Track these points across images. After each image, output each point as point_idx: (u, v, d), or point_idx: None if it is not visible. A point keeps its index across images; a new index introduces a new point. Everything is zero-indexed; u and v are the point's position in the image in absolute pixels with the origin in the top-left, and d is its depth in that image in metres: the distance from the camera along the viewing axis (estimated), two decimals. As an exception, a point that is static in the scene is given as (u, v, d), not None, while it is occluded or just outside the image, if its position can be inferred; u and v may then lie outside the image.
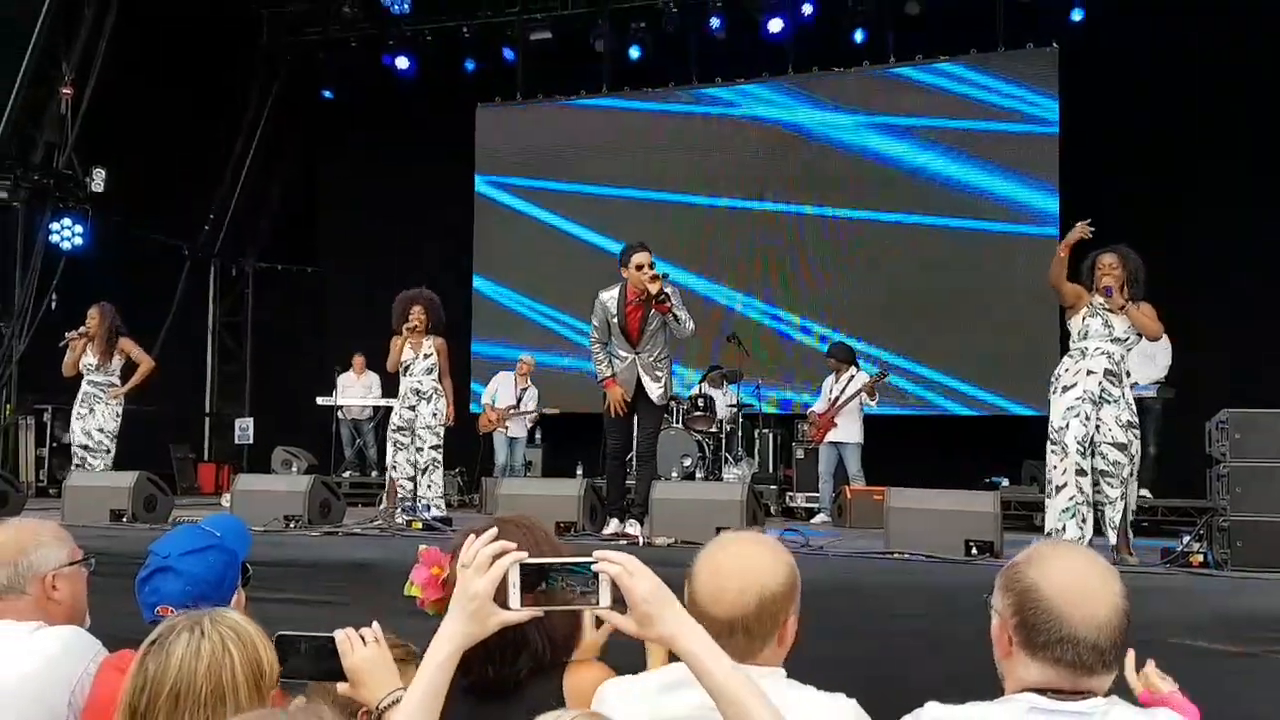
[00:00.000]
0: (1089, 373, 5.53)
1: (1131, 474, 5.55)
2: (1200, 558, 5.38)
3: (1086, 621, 1.67)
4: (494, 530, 1.71)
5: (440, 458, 7.62)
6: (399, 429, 7.61)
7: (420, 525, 6.84)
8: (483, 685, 1.82)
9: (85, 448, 8.32)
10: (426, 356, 7.59)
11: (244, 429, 12.88)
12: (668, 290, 6.45)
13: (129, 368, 8.62)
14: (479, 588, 1.62)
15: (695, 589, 1.81)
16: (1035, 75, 11.20)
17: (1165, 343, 9.09)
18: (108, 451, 8.32)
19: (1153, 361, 9.08)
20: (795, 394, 11.65)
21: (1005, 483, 9.34)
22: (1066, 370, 5.64)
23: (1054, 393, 5.66)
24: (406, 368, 7.61)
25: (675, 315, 6.49)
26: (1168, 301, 9.54)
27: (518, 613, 1.61)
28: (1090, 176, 10.88)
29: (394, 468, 7.60)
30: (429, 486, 7.52)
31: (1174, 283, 10.20)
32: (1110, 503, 5.51)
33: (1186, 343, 9.15)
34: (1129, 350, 5.67)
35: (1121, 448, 5.49)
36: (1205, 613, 4.41)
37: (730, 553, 1.85)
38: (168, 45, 12.15)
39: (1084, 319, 5.65)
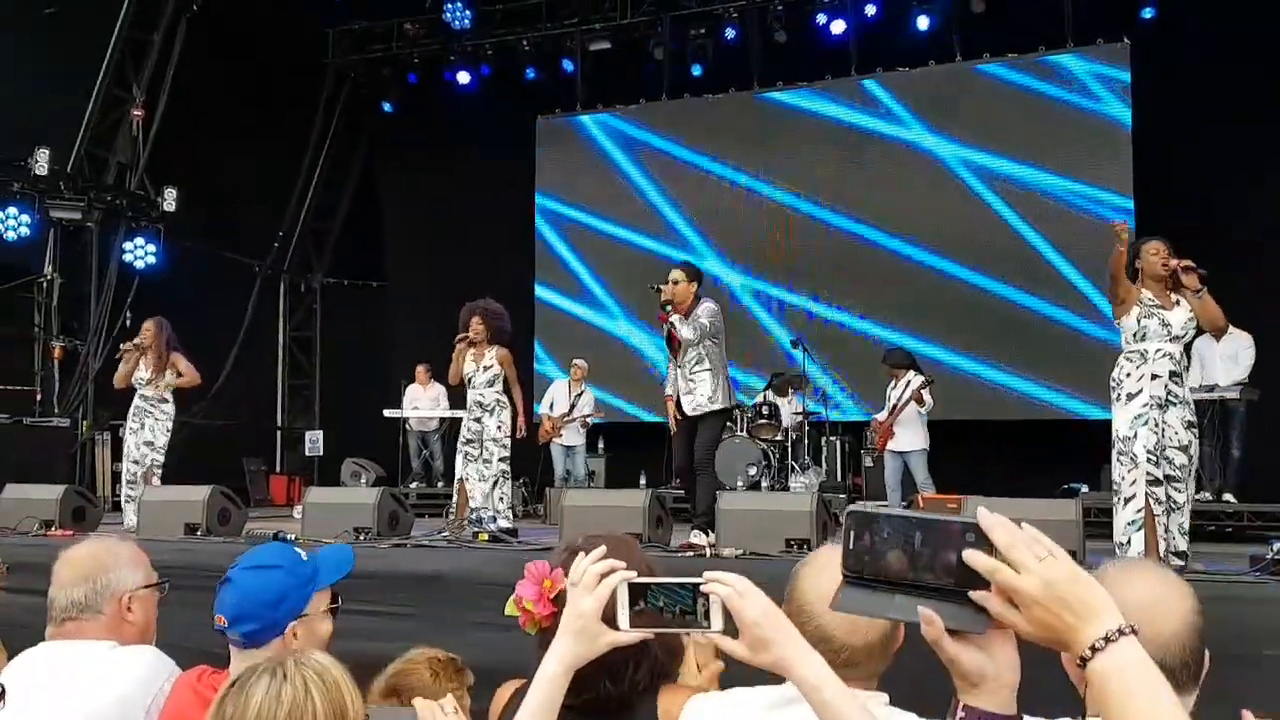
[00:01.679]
0: (1154, 376, 5.31)
1: (1191, 474, 5.35)
2: (1292, 565, 5.16)
3: (1152, 639, 1.60)
4: (602, 548, 1.66)
5: (508, 469, 7.60)
6: (468, 441, 7.60)
7: (487, 537, 6.83)
8: (594, 705, 1.78)
9: (136, 461, 8.37)
10: (487, 368, 7.55)
11: (314, 442, 13.07)
12: (671, 300, 6.63)
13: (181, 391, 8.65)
14: (586, 606, 1.58)
15: (825, 620, 1.72)
16: (1106, 72, 10.93)
17: (1248, 341, 8.82)
18: (158, 465, 8.33)
19: (1235, 361, 8.82)
20: (862, 400, 11.48)
21: (1084, 489, 9.06)
22: (1129, 375, 5.42)
23: (1117, 399, 5.45)
24: (470, 379, 7.60)
25: (673, 324, 6.59)
26: (1246, 301, 9.34)
27: (627, 633, 1.56)
28: (1163, 173, 10.61)
29: (466, 479, 7.57)
30: (500, 499, 7.52)
31: (1256, 278, 9.98)
32: (1178, 508, 5.31)
33: (1271, 342, 8.85)
34: (1186, 345, 5.44)
35: (1184, 449, 5.31)
36: (1301, 623, 4.23)
37: None
38: (235, 66, 12.40)
39: (1139, 319, 5.39)
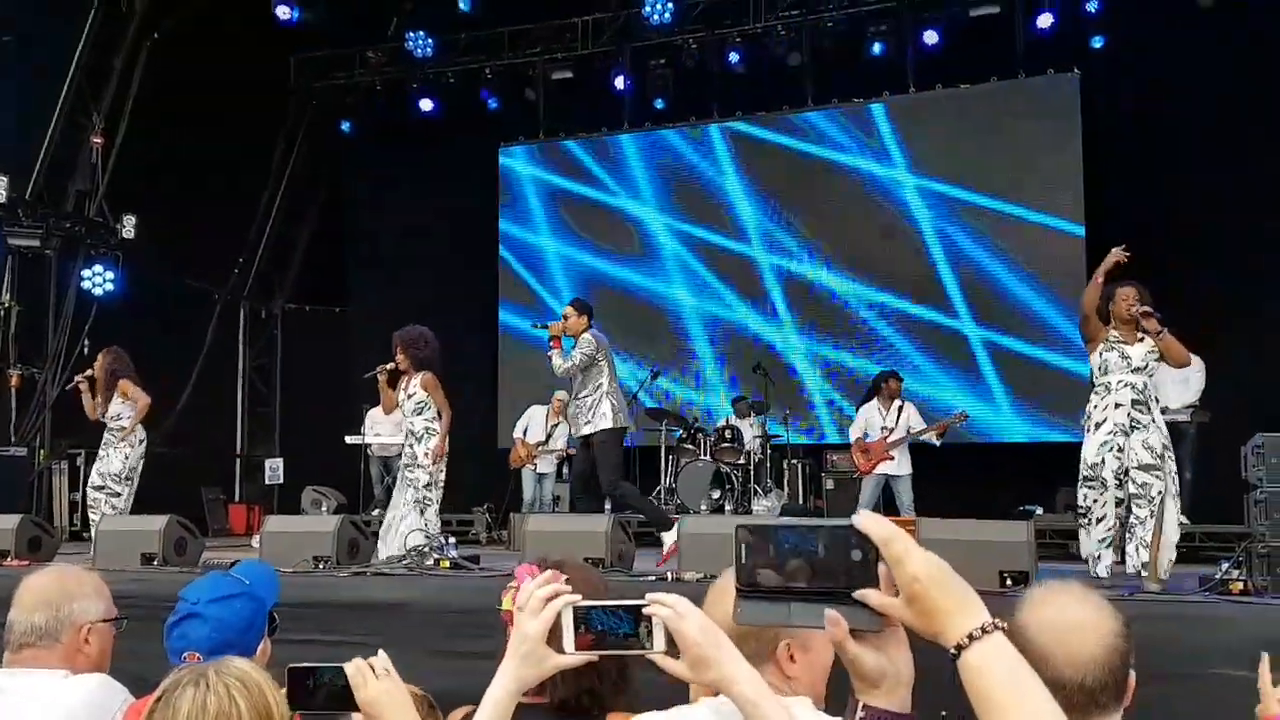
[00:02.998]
0: (1116, 405, 5.66)
1: (1161, 495, 5.57)
2: (1240, 585, 5.28)
3: (1070, 660, 1.67)
4: (549, 573, 1.70)
5: (432, 496, 7.40)
6: (406, 466, 7.51)
7: (448, 564, 6.82)
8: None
9: (98, 488, 8.38)
10: (410, 395, 7.48)
11: (274, 470, 12.95)
12: (552, 332, 7.29)
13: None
14: (532, 630, 1.61)
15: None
16: (1056, 101, 11.16)
17: (1198, 365, 9.00)
18: (115, 494, 8.30)
19: (1186, 385, 8.99)
20: (822, 424, 11.59)
21: (1039, 511, 9.20)
22: (1095, 407, 5.76)
23: (1087, 430, 5.80)
24: (402, 407, 7.57)
25: (550, 359, 7.28)
26: (1199, 324, 9.54)
27: (571, 656, 1.59)
28: (1114, 200, 10.85)
29: (398, 506, 7.47)
30: (427, 523, 7.31)
31: (1206, 304, 10.20)
32: (1140, 522, 5.57)
33: (1223, 365, 9.05)
34: (1151, 377, 5.75)
35: (1148, 469, 5.57)
36: (1247, 641, 4.32)
37: None
38: (196, 92, 12.35)
39: (1101, 354, 5.77)
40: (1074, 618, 1.71)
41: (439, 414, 7.49)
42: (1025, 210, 11.15)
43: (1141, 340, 5.71)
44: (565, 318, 7.45)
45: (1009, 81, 11.38)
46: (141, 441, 8.54)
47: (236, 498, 13.79)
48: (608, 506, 10.45)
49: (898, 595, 1.18)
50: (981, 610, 1.17)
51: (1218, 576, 5.44)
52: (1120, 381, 5.69)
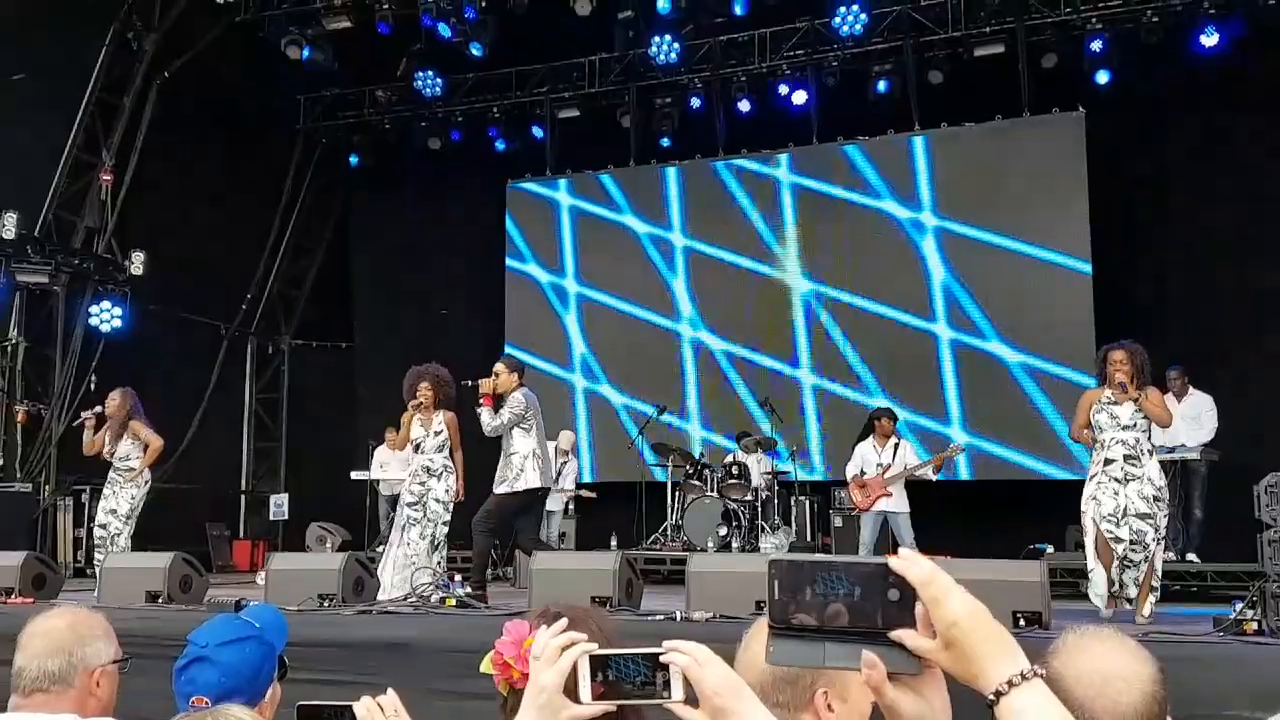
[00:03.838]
0: (1109, 461, 6.24)
1: (1157, 541, 6.12)
2: (1254, 625, 5.22)
3: (1111, 710, 1.64)
4: (564, 621, 1.67)
5: (446, 533, 7.59)
6: (411, 504, 7.55)
7: (454, 602, 6.78)
8: None
9: (103, 527, 8.38)
10: (437, 433, 7.58)
11: (279, 505, 12.93)
12: (483, 390, 7.31)
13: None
14: (548, 680, 1.57)
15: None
16: (1062, 139, 11.20)
17: (1209, 404, 9.00)
18: (119, 533, 8.30)
19: (1198, 423, 8.97)
20: (828, 460, 11.54)
21: (1050, 549, 9.11)
22: (1093, 463, 6.38)
23: (1087, 480, 6.41)
24: (418, 445, 7.64)
25: (480, 416, 7.31)
26: (1209, 360, 9.55)
27: (589, 706, 1.56)
28: (1121, 237, 10.88)
29: (408, 543, 7.52)
30: (438, 562, 7.46)
31: (1215, 341, 10.21)
32: (1134, 565, 6.11)
33: (1234, 402, 9.04)
34: (1143, 431, 6.26)
35: (1144, 517, 6.09)
36: (1263, 683, 4.26)
37: None
38: (206, 131, 12.48)
39: (1094, 415, 6.34)
40: (1113, 666, 1.68)
41: (443, 448, 7.65)
42: (1031, 247, 11.15)
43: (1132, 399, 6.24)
44: (496, 375, 7.40)
45: (1014, 120, 11.43)
46: (147, 482, 8.55)
47: (241, 534, 13.75)
48: (613, 543, 10.48)
49: (934, 637, 1.16)
50: (1020, 656, 1.15)
51: (1233, 617, 5.38)
52: (1113, 439, 6.24)
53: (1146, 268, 11.05)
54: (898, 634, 1.17)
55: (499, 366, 7.49)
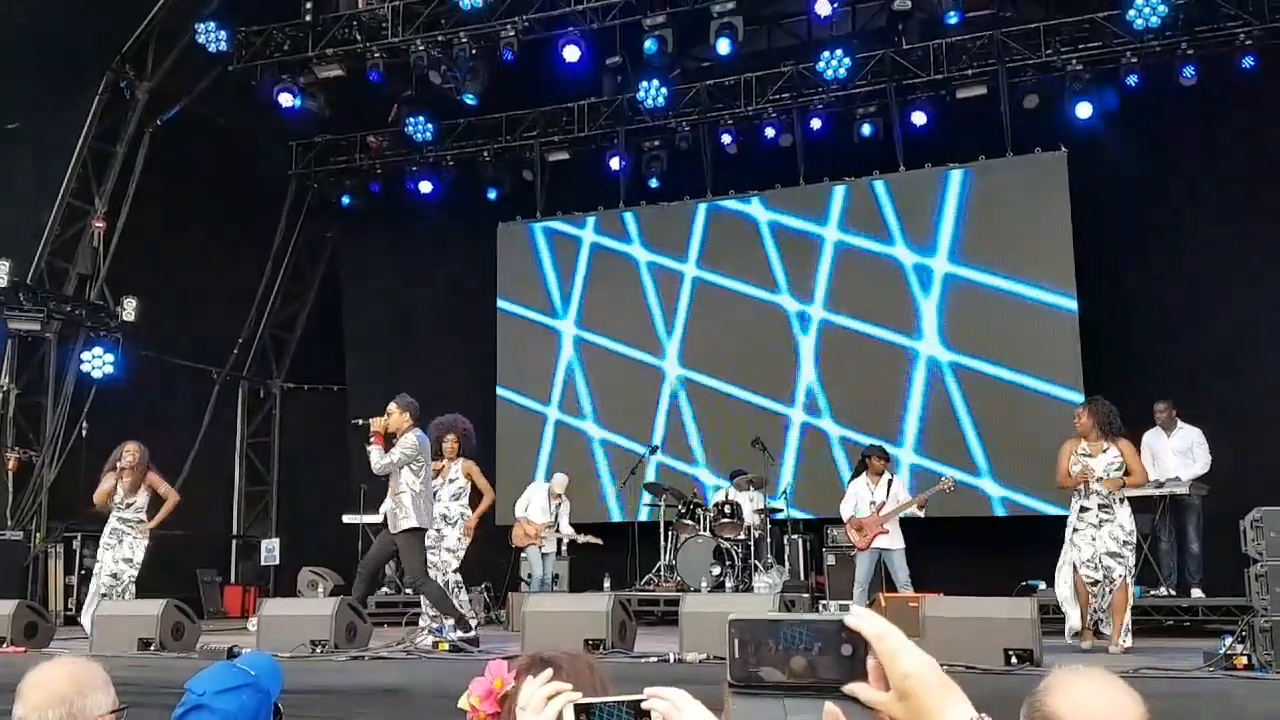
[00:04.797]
0: (1083, 509, 6.84)
1: (1123, 577, 6.71)
2: (1244, 660, 5.26)
3: None
4: (549, 671, 1.71)
5: (460, 579, 7.92)
6: (430, 547, 7.73)
7: (447, 646, 6.77)
8: None
9: (114, 576, 8.43)
10: (452, 481, 7.93)
11: (270, 550, 12.88)
12: (374, 428, 7.35)
13: (155, 500, 8.73)
14: None
15: None
16: (1044, 178, 11.36)
17: (1199, 437, 9.05)
18: (132, 580, 8.44)
19: (1190, 457, 9.00)
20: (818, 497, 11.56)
21: (1042, 585, 9.11)
22: (1071, 510, 6.97)
23: (1066, 527, 7.02)
24: (436, 493, 7.85)
25: (369, 455, 7.36)
26: (1195, 394, 9.62)
27: None
28: (1106, 275, 11.01)
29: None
30: (461, 604, 7.68)
31: (1201, 375, 10.31)
32: (1099, 597, 6.76)
33: (1221, 437, 9.10)
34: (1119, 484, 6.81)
35: (1113, 555, 6.70)
36: (1252, 718, 4.29)
37: None
38: (197, 177, 12.57)
39: (1070, 466, 6.89)
40: (1107, 704, 1.71)
41: (459, 496, 8.10)
42: (1017, 284, 11.27)
43: (1105, 451, 6.78)
44: (389, 414, 7.45)
45: (997, 160, 11.59)
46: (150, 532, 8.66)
47: (232, 579, 13.67)
48: (607, 584, 10.46)
49: (886, 689, 1.22)
50: (968, 706, 1.22)
51: (1221, 651, 5.41)
52: (1089, 489, 6.79)
53: (1132, 302, 11.17)
54: (851, 687, 1.22)
55: (392, 406, 7.52)
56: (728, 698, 1.28)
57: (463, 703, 1.91)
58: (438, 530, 7.81)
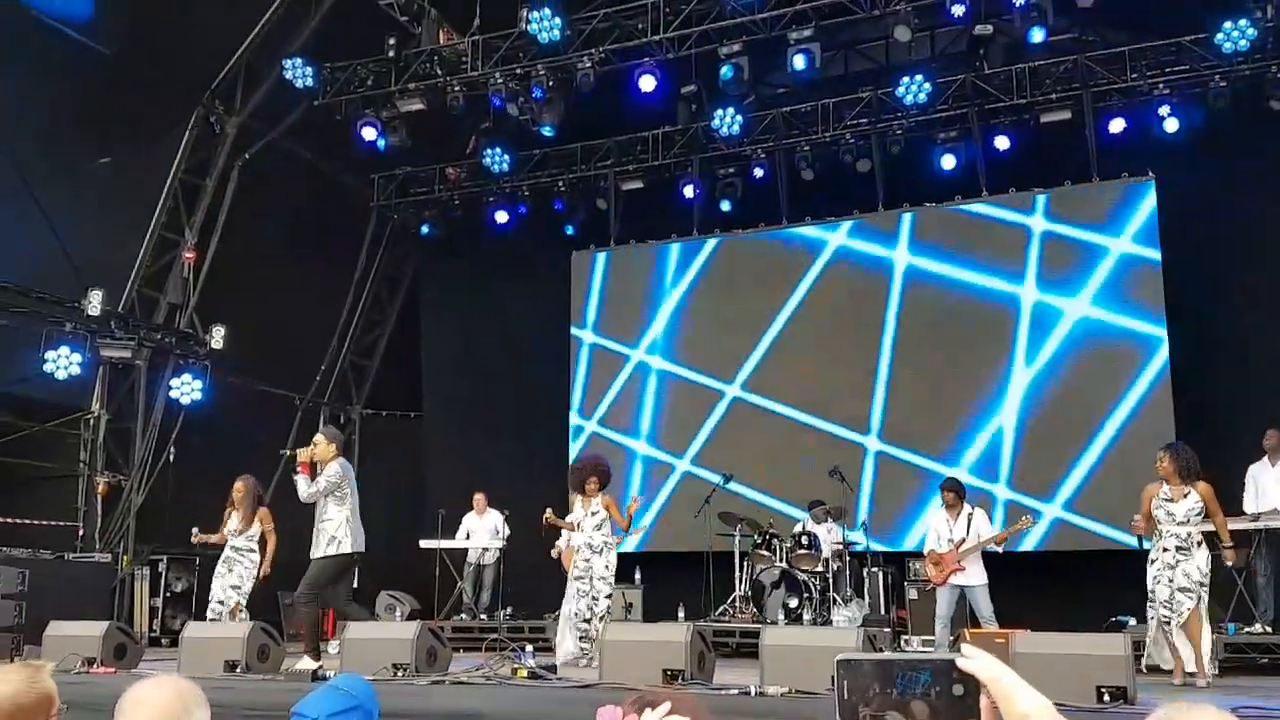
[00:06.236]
0: (1164, 549, 6.98)
1: (1189, 612, 6.77)
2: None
3: None
4: (667, 705, 1.70)
5: (610, 606, 8.57)
6: (578, 578, 8.46)
7: (525, 673, 6.75)
8: None
9: (221, 603, 8.78)
10: (594, 514, 8.52)
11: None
12: (301, 458, 7.61)
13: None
14: None
15: None
16: (1132, 205, 11.10)
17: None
18: (242, 606, 8.86)
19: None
20: (904, 530, 11.36)
21: (1132, 621, 8.81)
22: (1153, 549, 7.11)
23: (1148, 562, 7.14)
24: (580, 524, 8.62)
25: (296, 483, 7.63)
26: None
27: None
28: (1198, 303, 10.71)
29: (576, 614, 8.40)
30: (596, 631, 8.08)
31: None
32: (1168, 632, 6.88)
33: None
34: (1196, 527, 6.95)
35: (1185, 591, 6.84)
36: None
37: None
38: (283, 209, 12.88)
39: (1153, 510, 7.07)
40: None
41: (601, 526, 8.58)
42: (1104, 315, 11.01)
43: (1186, 496, 6.91)
44: (315, 444, 7.71)
45: (1083, 186, 11.36)
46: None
47: (312, 603, 13.81)
48: (680, 614, 10.36)
49: None
50: None
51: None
52: (1169, 531, 6.95)
53: (1225, 330, 10.84)
54: None
55: (318, 436, 7.82)
56: None
57: None
58: (586, 560, 8.41)
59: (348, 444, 15.10)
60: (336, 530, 7.58)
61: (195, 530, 9.22)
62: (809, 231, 12.71)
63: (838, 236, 12.51)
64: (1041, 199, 11.56)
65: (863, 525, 10.50)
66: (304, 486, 7.61)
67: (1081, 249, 11.30)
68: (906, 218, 12.20)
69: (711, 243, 13.18)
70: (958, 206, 11.97)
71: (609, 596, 8.48)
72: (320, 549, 7.58)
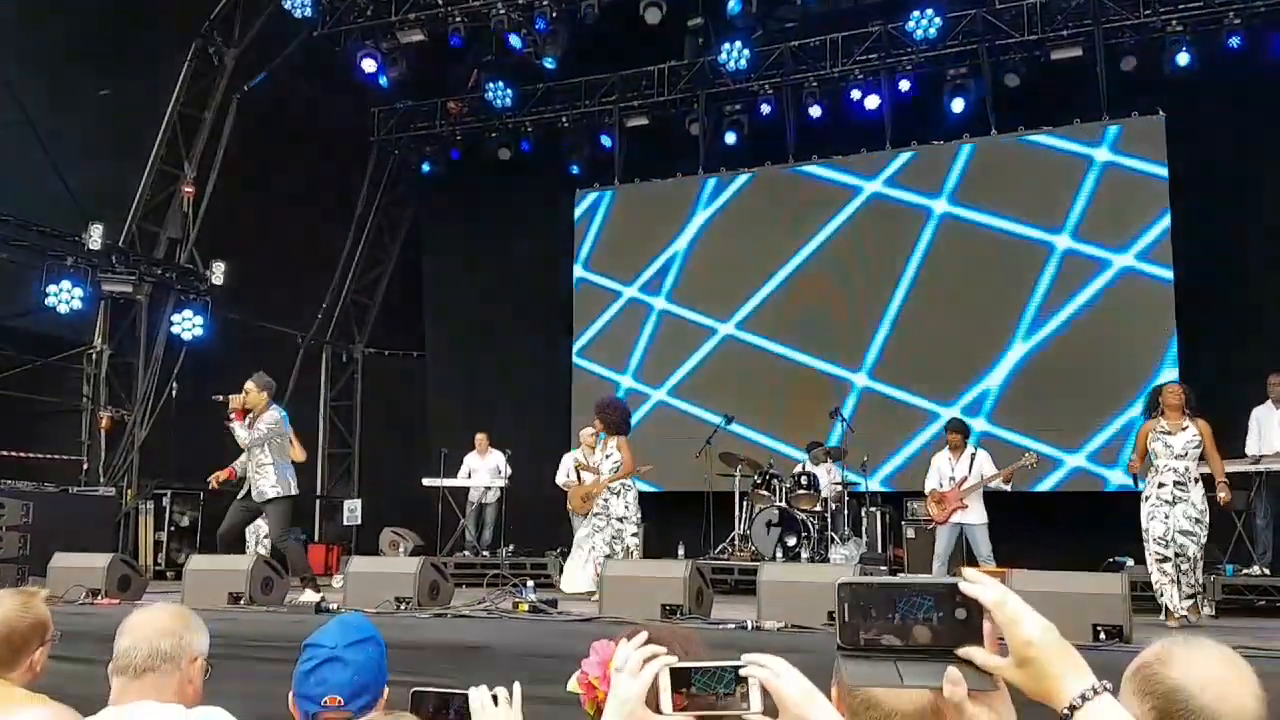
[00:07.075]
0: (1160, 485, 6.88)
1: (1196, 556, 6.76)
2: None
3: (1239, 716, 1.60)
4: (644, 634, 1.69)
5: (639, 541, 8.56)
6: (596, 514, 8.49)
7: (526, 607, 6.81)
8: None
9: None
10: (609, 456, 8.52)
11: (352, 511, 13.12)
12: (233, 405, 7.76)
13: None
14: (632, 691, 1.61)
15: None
16: (1142, 143, 10.96)
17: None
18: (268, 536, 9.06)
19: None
20: (901, 470, 11.39)
21: (1130, 562, 8.86)
22: (1147, 484, 7.02)
23: (1142, 500, 7.03)
24: (597, 465, 8.71)
25: (233, 429, 7.79)
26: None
27: (669, 718, 1.58)
28: (1204, 243, 10.61)
29: (594, 547, 8.38)
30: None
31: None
32: (1183, 573, 6.75)
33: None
34: (1194, 461, 6.86)
35: (1187, 534, 6.75)
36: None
37: None
38: (283, 144, 12.73)
39: (1150, 444, 6.98)
40: (1227, 673, 1.64)
41: (616, 468, 8.55)
42: (1111, 252, 10.93)
43: (1185, 429, 6.85)
44: (247, 392, 7.82)
45: (1093, 123, 11.20)
46: None
47: (316, 538, 13.96)
48: (680, 552, 10.42)
49: (1002, 653, 1.22)
50: (1088, 672, 1.22)
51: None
52: (1165, 465, 6.86)
53: (1232, 271, 10.75)
54: (967, 651, 1.22)
55: (249, 385, 7.88)
56: (838, 660, 1.28)
57: (571, 686, 1.90)
58: (604, 500, 8.38)
59: (348, 383, 15.14)
60: (281, 473, 7.80)
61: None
62: (815, 170, 12.54)
63: (846, 175, 12.32)
64: (1049, 138, 11.41)
65: (862, 465, 10.51)
66: (243, 434, 7.78)
67: (1090, 186, 11.15)
68: (915, 154, 12.04)
69: (717, 181, 13.04)
70: (966, 144, 11.81)
71: (635, 535, 8.47)
72: (267, 493, 7.77)
